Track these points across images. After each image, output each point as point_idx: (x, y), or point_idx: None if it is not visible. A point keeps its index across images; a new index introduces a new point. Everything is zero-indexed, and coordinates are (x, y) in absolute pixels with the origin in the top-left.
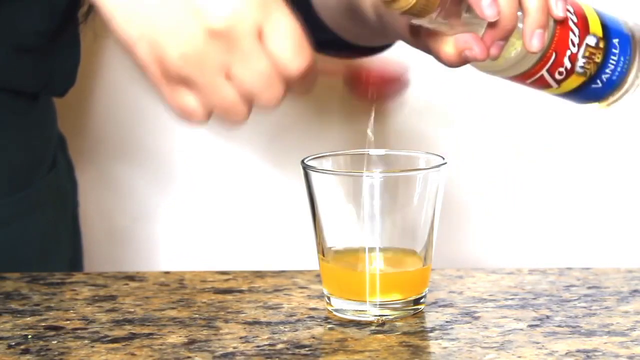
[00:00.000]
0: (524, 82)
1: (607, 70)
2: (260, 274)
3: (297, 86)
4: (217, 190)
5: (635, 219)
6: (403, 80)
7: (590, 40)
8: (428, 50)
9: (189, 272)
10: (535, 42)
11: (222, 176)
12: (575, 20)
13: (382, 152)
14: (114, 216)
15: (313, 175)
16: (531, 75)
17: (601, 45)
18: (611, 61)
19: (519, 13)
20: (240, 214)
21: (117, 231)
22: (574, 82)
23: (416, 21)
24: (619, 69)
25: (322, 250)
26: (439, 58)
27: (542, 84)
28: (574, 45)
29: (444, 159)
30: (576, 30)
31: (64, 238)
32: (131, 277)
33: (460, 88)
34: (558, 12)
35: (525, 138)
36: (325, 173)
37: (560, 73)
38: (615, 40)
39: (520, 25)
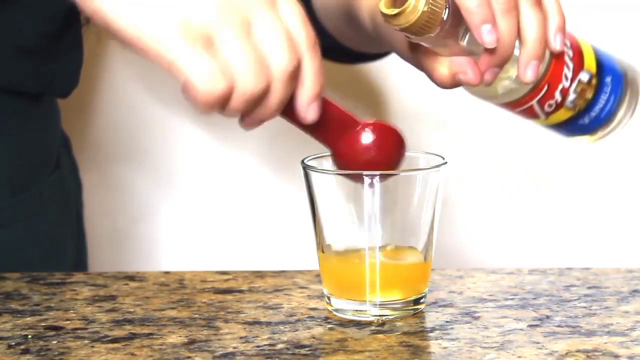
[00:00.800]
0: (513, 110)
1: (597, 108)
2: (260, 274)
3: (309, 58)
4: (217, 190)
5: (635, 219)
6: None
7: (584, 76)
8: (421, 67)
9: (189, 272)
10: (530, 72)
11: (223, 177)
12: (571, 54)
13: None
14: (115, 216)
15: (313, 175)
16: (521, 104)
17: (593, 82)
18: (602, 99)
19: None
20: (240, 214)
21: (118, 231)
22: (562, 115)
23: (414, 39)
24: (608, 107)
25: (322, 250)
26: (431, 77)
27: (530, 114)
28: (567, 79)
29: (444, 159)
30: (571, 65)
31: (68, 239)
32: (131, 277)
33: (459, 90)
34: (556, 45)
35: (526, 138)
36: (325, 173)
37: (550, 105)
38: (608, 79)
39: (516, 53)
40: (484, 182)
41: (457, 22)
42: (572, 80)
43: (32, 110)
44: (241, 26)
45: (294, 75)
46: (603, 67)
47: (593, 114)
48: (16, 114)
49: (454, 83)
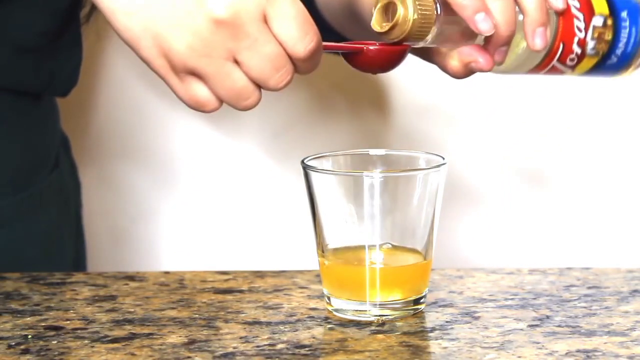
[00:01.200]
0: (538, 73)
1: (620, 45)
2: (260, 274)
3: (304, 66)
4: (217, 190)
5: (635, 219)
6: (402, 49)
7: (597, 21)
8: (432, 62)
9: (189, 272)
10: (539, 40)
11: (223, 177)
12: (577, 5)
13: (382, 152)
14: (115, 216)
15: (313, 175)
16: (543, 67)
17: (609, 22)
18: (622, 35)
19: (519, 15)
20: (240, 214)
21: (118, 231)
22: (588, 63)
23: (416, 45)
24: (632, 39)
25: (322, 250)
26: (445, 71)
27: (556, 72)
28: (580, 30)
29: (444, 159)
30: (580, 16)
31: (67, 238)
32: (131, 277)
33: (460, 88)
34: (558, 3)
35: (526, 138)
36: (325, 173)
37: (571, 59)
38: (624, 14)
39: (521, 19)
40: (484, 182)
41: (452, 15)
42: (586, 30)
43: (31, 109)
44: (225, 58)
45: (290, 80)
46: (615, 4)
47: (619, 51)
48: (15, 113)
49: (467, 72)
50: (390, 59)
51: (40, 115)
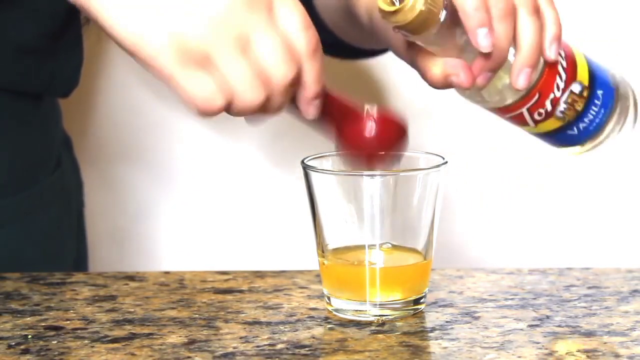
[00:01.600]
0: (503, 116)
1: (586, 120)
2: (260, 274)
3: (308, 66)
4: (217, 190)
5: (635, 219)
6: (401, 138)
7: (575, 87)
8: (414, 65)
9: (189, 272)
10: (522, 79)
11: (223, 177)
12: (564, 64)
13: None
14: (115, 216)
15: (313, 175)
16: (511, 110)
17: (585, 94)
18: (592, 111)
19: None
20: (240, 214)
21: (118, 231)
22: (551, 124)
23: (411, 38)
24: (597, 120)
25: (322, 250)
26: (424, 76)
27: (520, 121)
28: (558, 89)
29: (444, 159)
30: (563, 75)
31: (69, 238)
32: (131, 277)
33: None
34: (550, 54)
35: (526, 138)
36: (325, 173)
37: (539, 114)
38: (600, 92)
39: (510, 59)
40: (484, 182)
41: (454, 23)
42: (563, 91)
43: (32, 109)
44: (237, 43)
45: (294, 83)
46: (596, 79)
47: (582, 125)
48: (16, 113)
49: (445, 84)
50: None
51: (42, 116)
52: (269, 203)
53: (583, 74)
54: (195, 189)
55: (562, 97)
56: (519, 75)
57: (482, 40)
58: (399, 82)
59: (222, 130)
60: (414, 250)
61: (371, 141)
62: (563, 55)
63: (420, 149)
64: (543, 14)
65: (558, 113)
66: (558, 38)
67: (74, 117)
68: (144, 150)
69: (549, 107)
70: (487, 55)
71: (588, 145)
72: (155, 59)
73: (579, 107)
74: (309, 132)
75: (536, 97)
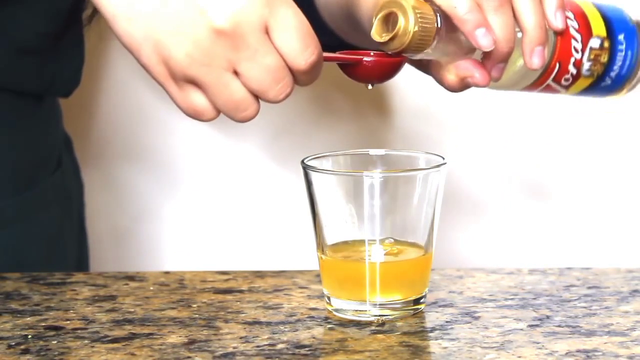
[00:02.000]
0: (532, 91)
1: (615, 67)
2: (260, 274)
3: (304, 78)
4: (218, 190)
5: (635, 219)
6: (398, 61)
7: (594, 42)
8: (429, 74)
9: (189, 272)
10: (536, 59)
11: (224, 177)
12: (576, 26)
13: (382, 152)
14: (116, 216)
15: (313, 175)
16: (537, 85)
17: (606, 45)
18: (618, 58)
19: (518, 32)
20: (240, 214)
21: (119, 231)
22: (582, 84)
23: (415, 57)
24: (627, 62)
25: (322, 250)
26: (441, 84)
27: (550, 91)
28: (577, 51)
29: (444, 159)
30: (578, 37)
31: (70, 239)
32: (131, 277)
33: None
34: (557, 23)
35: (526, 138)
36: (325, 173)
37: (566, 80)
38: (621, 37)
39: (520, 36)
40: (484, 182)
41: (452, 29)
42: (583, 51)
43: (33, 110)
44: (225, 68)
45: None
46: (612, 26)
47: (613, 73)
48: (17, 113)
49: (463, 86)
50: (387, 70)
51: (42, 116)
52: (269, 203)
53: (598, 26)
54: (195, 189)
55: (584, 56)
56: (532, 56)
57: (482, 41)
58: (399, 82)
59: (222, 130)
60: (414, 245)
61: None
62: (572, 16)
63: (420, 149)
64: None
65: (585, 72)
66: (561, 5)
67: (75, 117)
68: (144, 150)
69: (573, 70)
70: (493, 50)
71: (627, 88)
72: (148, 69)
73: (604, 59)
74: (309, 132)
75: (557, 67)
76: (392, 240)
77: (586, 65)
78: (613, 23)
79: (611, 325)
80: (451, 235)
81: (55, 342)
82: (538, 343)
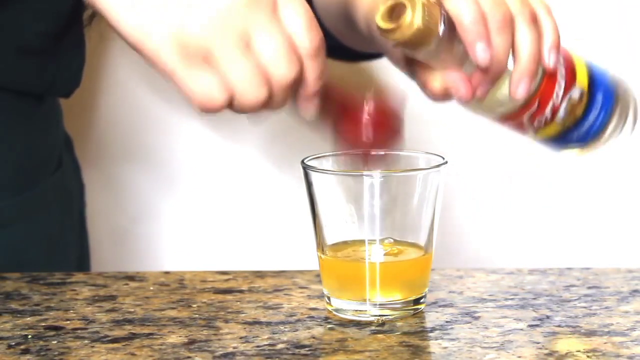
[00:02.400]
0: (503, 124)
1: (586, 124)
2: (260, 274)
3: (310, 65)
4: (218, 190)
5: (635, 219)
6: (397, 127)
7: (575, 93)
8: (413, 77)
9: (189, 272)
10: (522, 90)
11: (224, 177)
12: (563, 71)
13: (382, 152)
14: (116, 216)
15: (313, 175)
16: (511, 119)
17: (584, 99)
18: (592, 115)
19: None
20: (240, 214)
21: (119, 231)
22: (551, 130)
23: (409, 53)
24: (598, 122)
25: (322, 249)
26: (423, 89)
27: (520, 129)
28: (557, 96)
29: (444, 159)
30: (562, 82)
31: (71, 239)
32: (131, 277)
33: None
34: (549, 62)
35: (526, 139)
36: (325, 173)
37: (539, 121)
38: (599, 95)
39: (509, 68)
40: (484, 182)
41: (452, 36)
42: (563, 98)
43: (34, 110)
44: (238, 41)
45: (296, 82)
46: (595, 83)
47: (582, 129)
48: (18, 113)
49: (445, 97)
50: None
51: (43, 116)
52: (269, 203)
53: (582, 79)
54: (196, 189)
55: (562, 103)
56: (518, 86)
57: (481, 54)
58: (399, 82)
59: (222, 130)
60: (414, 245)
61: (367, 141)
62: (562, 61)
63: (420, 149)
64: (541, 22)
65: (558, 119)
66: (557, 46)
67: (75, 117)
68: (145, 150)
69: (548, 114)
70: (486, 68)
71: (589, 148)
72: (157, 53)
73: (579, 112)
74: (309, 133)
75: (536, 105)
76: (392, 240)
77: (561, 113)
78: (596, 81)
79: (611, 325)
80: (451, 235)
81: (55, 342)
82: (538, 343)
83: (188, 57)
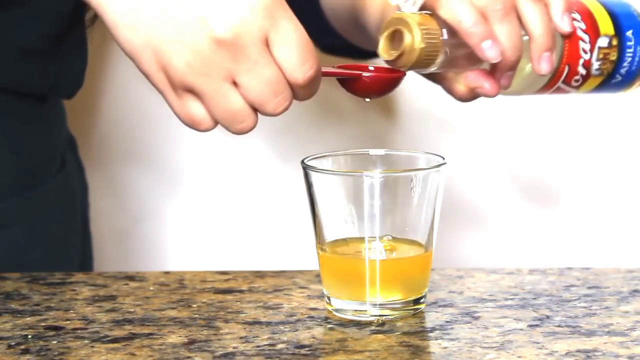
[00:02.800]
0: (543, 94)
1: (625, 64)
2: (260, 274)
3: (302, 92)
4: (219, 191)
5: (635, 219)
6: (398, 75)
7: (602, 42)
8: (439, 84)
9: (189, 272)
10: (545, 65)
11: (225, 177)
12: (583, 27)
13: (382, 152)
14: (118, 216)
15: (313, 175)
16: (547, 88)
17: (614, 42)
18: (627, 54)
19: (524, 37)
20: (241, 214)
21: (121, 231)
22: (593, 83)
23: (423, 72)
24: (637, 58)
25: (322, 249)
26: (451, 94)
27: (560, 92)
28: (585, 52)
29: (444, 159)
30: (586, 37)
31: (74, 239)
32: (131, 277)
33: None
34: (565, 27)
35: (526, 138)
36: (325, 173)
37: (576, 80)
38: (629, 33)
39: (526, 39)
40: (484, 182)
41: (458, 41)
42: (591, 51)
43: (36, 111)
44: (224, 78)
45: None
46: (620, 23)
47: (623, 70)
48: (21, 114)
49: (473, 96)
50: (386, 85)
51: (46, 117)
52: (269, 203)
53: (605, 25)
54: (198, 190)
55: (593, 56)
56: (541, 62)
57: (489, 53)
58: (402, 83)
59: (223, 132)
60: (414, 243)
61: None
62: (579, 18)
63: (420, 149)
64: None
65: (594, 72)
66: (568, 8)
67: (78, 118)
68: (147, 151)
69: (583, 71)
70: (502, 58)
71: (638, 82)
72: (147, 73)
73: (613, 57)
74: (309, 132)
75: (566, 69)
76: (391, 237)
77: (595, 65)
78: (620, 20)
79: (611, 325)
80: (451, 235)
81: (55, 342)
82: (538, 343)
83: (175, 87)
